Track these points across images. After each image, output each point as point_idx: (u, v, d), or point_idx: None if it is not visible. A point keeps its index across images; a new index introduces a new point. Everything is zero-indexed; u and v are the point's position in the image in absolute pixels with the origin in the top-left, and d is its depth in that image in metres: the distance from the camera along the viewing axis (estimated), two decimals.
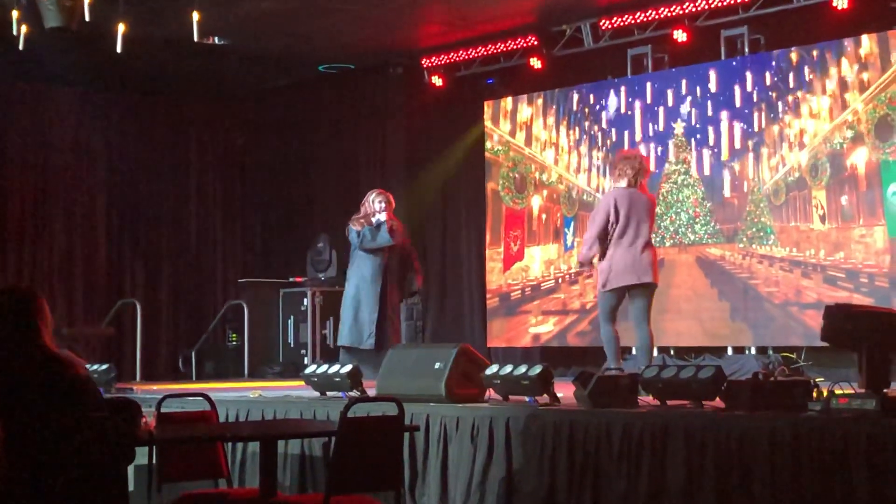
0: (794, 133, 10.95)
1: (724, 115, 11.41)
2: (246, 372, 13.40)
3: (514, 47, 12.79)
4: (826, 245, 10.66)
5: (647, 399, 6.61)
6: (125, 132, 14.80)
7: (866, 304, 9.60)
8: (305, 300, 13.68)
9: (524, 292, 12.86)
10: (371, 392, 7.85)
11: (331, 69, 14.13)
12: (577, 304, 12.32)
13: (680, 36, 11.57)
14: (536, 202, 12.86)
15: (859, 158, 10.45)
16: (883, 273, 10.24)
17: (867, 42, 10.46)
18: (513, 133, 13.06)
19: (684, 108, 11.69)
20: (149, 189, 14.92)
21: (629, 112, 12.11)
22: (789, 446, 5.43)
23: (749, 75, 11.24)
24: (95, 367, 9.41)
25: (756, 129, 11.20)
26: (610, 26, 12.01)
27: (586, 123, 12.47)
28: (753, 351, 11.04)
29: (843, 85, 10.61)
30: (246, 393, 8.98)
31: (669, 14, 11.58)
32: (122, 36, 10.13)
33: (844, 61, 10.60)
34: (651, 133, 11.93)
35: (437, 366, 7.33)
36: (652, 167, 11.83)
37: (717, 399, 6.18)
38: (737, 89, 11.31)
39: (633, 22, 11.87)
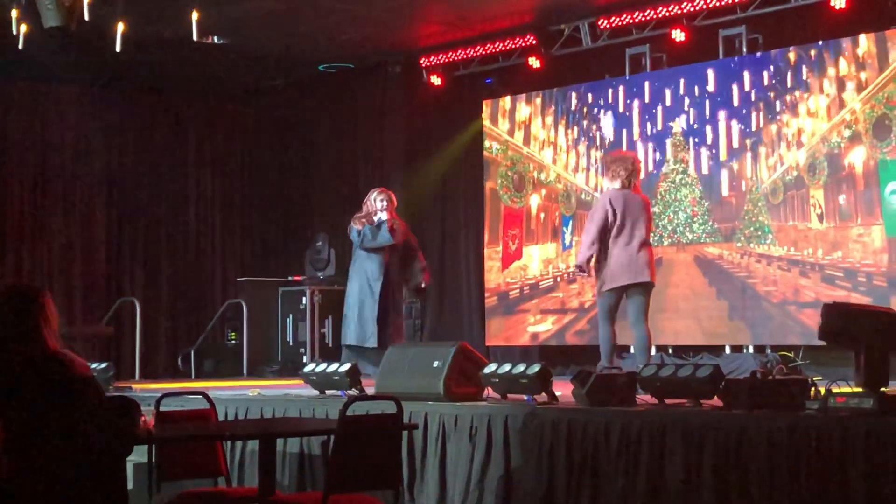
0: (792, 132, 10.96)
1: (722, 114, 11.43)
2: (245, 370, 13.41)
3: (513, 47, 12.80)
4: (824, 244, 10.67)
5: (645, 398, 6.62)
6: (124, 131, 14.80)
7: (864, 303, 9.61)
8: (304, 299, 13.68)
9: (522, 291, 12.88)
10: (370, 390, 7.87)
11: (330, 69, 14.14)
12: (575, 302, 12.34)
13: (678, 35, 11.59)
14: (535, 201, 12.87)
15: (857, 158, 10.46)
16: (881, 272, 10.25)
17: (865, 41, 10.47)
18: (511, 132, 13.07)
19: (682, 108, 11.70)
20: (148, 188, 14.92)
21: (627, 111, 12.13)
22: (787, 445, 5.44)
23: (747, 75, 11.25)
24: (94, 365, 9.40)
25: (754, 128, 11.22)
26: (608, 26, 12.02)
27: (584, 123, 12.49)
28: (751, 350, 11.05)
29: (841, 84, 10.62)
30: (245, 391, 8.98)
31: (667, 14, 11.59)
32: (121, 35, 10.14)
33: (842, 61, 10.62)
34: (649, 132, 11.95)
35: (435, 364, 7.34)
36: (650, 167, 11.88)
37: (716, 398, 6.18)
38: (735, 89, 11.32)
39: (631, 21, 11.88)
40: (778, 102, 11.07)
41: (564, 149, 12.65)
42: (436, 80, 13.51)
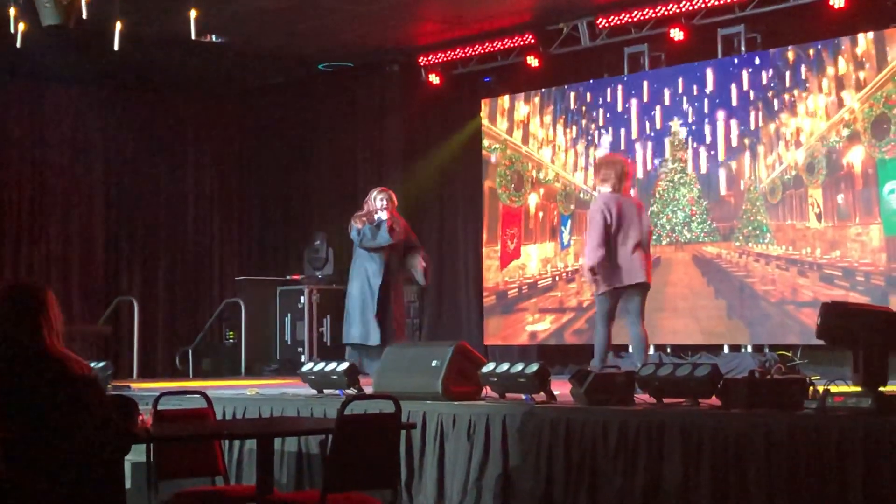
0: (791, 131, 10.96)
1: (720, 113, 11.43)
2: (243, 370, 13.41)
3: (511, 45, 12.80)
4: (822, 243, 10.67)
5: (643, 397, 6.62)
6: (122, 130, 14.79)
7: (862, 302, 9.61)
8: (302, 298, 13.68)
9: (521, 290, 12.88)
10: (369, 390, 7.87)
11: (329, 68, 14.14)
12: (573, 301, 12.34)
13: (677, 35, 11.59)
14: (533, 200, 12.87)
15: (855, 157, 10.46)
16: (879, 271, 10.26)
17: (864, 41, 10.47)
18: (510, 131, 13.07)
19: (681, 107, 11.70)
20: (146, 186, 14.92)
21: (626, 111, 12.12)
22: (785, 444, 5.44)
23: (746, 74, 11.25)
24: (92, 364, 9.41)
25: (752, 127, 11.22)
26: (607, 25, 12.02)
27: (583, 122, 12.49)
28: (750, 349, 11.06)
29: (840, 83, 10.62)
30: (243, 390, 8.98)
31: (666, 13, 11.59)
32: (119, 34, 10.12)
33: (841, 60, 10.62)
34: (648, 131, 11.95)
35: (433, 363, 7.34)
36: (648, 166, 11.88)
37: (714, 397, 6.18)
38: (733, 88, 11.32)
39: (629, 20, 11.88)
40: (776, 102, 11.07)
41: (563, 148, 12.65)
42: (434, 79, 13.50)
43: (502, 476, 6.58)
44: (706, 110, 11.53)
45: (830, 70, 10.69)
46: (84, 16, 9.50)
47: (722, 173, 11.44)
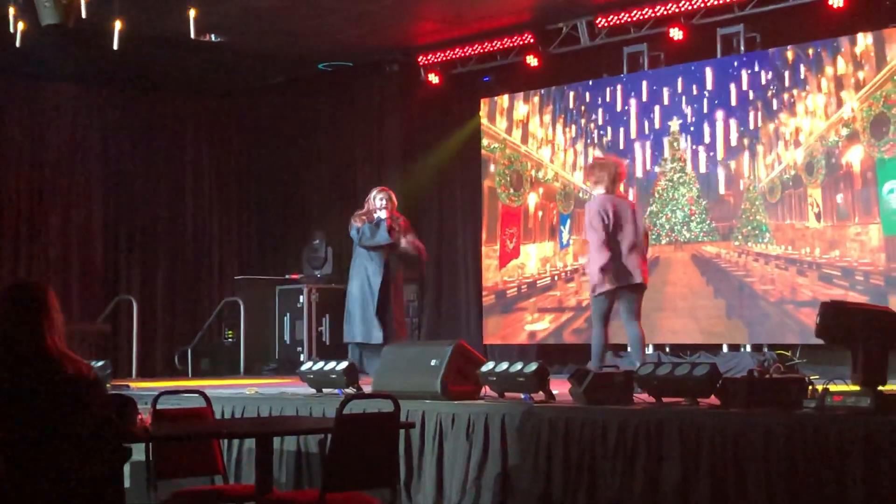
0: (790, 131, 10.96)
1: (719, 113, 11.43)
2: (242, 369, 13.41)
3: (511, 45, 12.80)
4: (821, 243, 10.67)
5: (642, 396, 6.62)
6: (121, 129, 14.80)
7: (862, 301, 9.60)
8: (301, 297, 13.68)
9: (520, 290, 12.88)
10: (368, 389, 7.87)
11: (329, 67, 14.13)
12: (573, 301, 12.34)
13: (676, 34, 11.59)
14: (532, 199, 12.87)
15: (855, 156, 10.47)
16: (878, 271, 10.26)
17: (863, 40, 10.48)
18: (509, 130, 13.07)
19: (680, 107, 11.70)
20: (145, 185, 14.92)
21: (625, 110, 12.12)
22: (784, 444, 5.44)
23: (745, 73, 11.25)
24: (91, 363, 9.40)
25: (752, 126, 11.22)
26: (606, 24, 12.02)
27: (582, 121, 12.49)
28: (749, 348, 11.06)
29: (839, 83, 10.62)
30: (242, 390, 8.98)
31: (665, 12, 11.60)
32: (118, 33, 10.13)
33: (840, 59, 10.62)
34: (647, 131, 11.95)
35: (432, 363, 7.33)
36: (648, 165, 11.89)
37: (713, 396, 6.18)
38: (732, 87, 11.32)
39: (629, 20, 11.88)
40: (776, 101, 11.07)
41: (562, 147, 12.65)
42: (434, 79, 13.50)
43: (501, 475, 6.58)
44: (705, 110, 11.53)
45: (829, 70, 10.69)
46: (83, 15, 9.51)
47: (721, 173, 11.44)
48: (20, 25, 10.04)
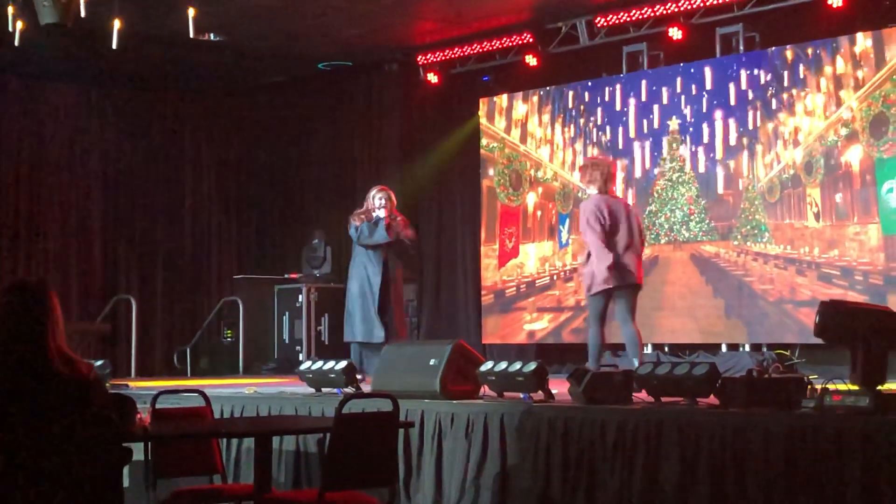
0: (789, 130, 10.96)
1: (718, 112, 11.43)
2: (241, 368, 13.41)
3: (510, 44, 12.80)
4: (820, 242, 10.67)
5: (641, 396, 6.62)
6: (120, 128, 14.79)
7: (861, 301, 9.61)
8: (300, 296, 13.68)
9: (519, 289, 12.88)
10: (368, 388, 7.87)
11: (328, 66, 14.13)
12: (571, 300, 12.33)
13: (675, 34, 11.59)
14: (531, 199, 12.87)
15: (854, 156, 10.47)
16: (877, 270, 10.26)
17: (862, 40, 10.48)
18: (508, 130, 13.07)
19: (679, 106, 11.70)
20: (144, 185, 14.91)
21: (624, 110, 12.12)
22: (783, 443, 5.44)
23: (744, 73, 11.25)
24: (90, 363, 9.39)
25: (751, 126, 11.22)
26: (605, 24, 12.02)
27: (581, 121, 12.49)
28: (748, 348, 11.06)
29: (838, 82, 10.63)
30: (241, 389, 8.97)
31: (665, 12, 11.60)
32: (117, 32, 10.13)
33: (839, 59, 10.62)
34: (646, 130, 11.95)
35: (431, 362, 7.33)
36: (647, 164, 11.89)
37: (712, 396, 6.18)
38: (732, 87, 11.33)
39: (628, 19, 11.88)
40: (775, 101, 11.07)
41: (561, 147, 12.65)
42: (433, 78, 13.50)
43: (500, 475, 6.58)
44: (704, 109, 11.53)
45: (829, 69, 10.69)
46: (82, 14, 9.50)
47: (720, 172, 11.44)
48: (19, 25, 10.04)
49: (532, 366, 6.91)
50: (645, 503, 5.91)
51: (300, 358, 12.86)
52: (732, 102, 11.33)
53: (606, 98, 12.29)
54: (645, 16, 11.76)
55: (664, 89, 11.82)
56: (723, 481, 5.64)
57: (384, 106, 14.27)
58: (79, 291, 14.29)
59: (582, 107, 12.49)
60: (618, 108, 12.18)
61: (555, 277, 12.59)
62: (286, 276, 14.28)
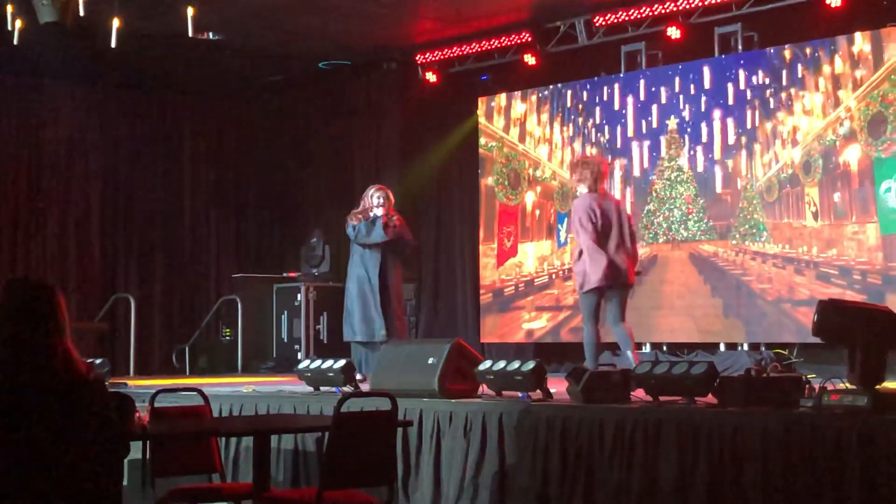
0: (788, 130, 10.97)
1: (717, 112, 11.43)
2: (239, 367, 13.41)
3: (508, 44, 12.80)
4: (819, 242, 10.68)
5: (639, 395, 6.63)
6: (119, 127, 14.78)
7: (859, 300, 9.61)
8: (299, 295, 13.68)
9: (517, 288, 12.88)
10: (366, 387, 7.87)
11: (327, 66, 14.13)
12: (570, 300, 12.33)
13: (674, 33, 11.59)
14: (530, 198, 12.88)
15: (852, 156, 10.48)
16: (875, 270, 10.27)
17: (860, 40, 10.48)
18: (507, 129, 13.07)
19: (678, 105, 11.71)
20: (143, 184, 14.91)
21: (623, 109, 12.13)
22: (781, 442, 5.44)
23: (742, 72, 11.26)
24: (89, 361, 9.40)
25: (749, 125, 11.23)
26: (604, 23, 12.03)
27: (580, 120, 12.49)
28: (746, 347, 11.07)
29: (837, 82, 10.63)
30: (239, 388, 8.97)
31: (663, 11, 11.60)
32: (116, 31, 10.13)
33: (837, 59, 10.63)
34: (644, 130, 11.95)
35: (430, 361, 7.33)
36: (645, 164, 11.89)
37: (710, 395, 6.18)
38: (730, 86, 11.33)
39: (627, 19, 11.88)
40: (773, 100, 11.08)
41: (560, 146, 12.65)
42: (431, 77, 13.50)
43: (499, 474, 6.58)
44: (703, 109, 11.54)
45: (827, 69, 10.70)
46: (81, 13, 9.50)
47: (718, 172, 11.45)
48: (18, 23, 10.04)
49: (530, 365, 6.92)
50: (643, 502, 5.92)
51: (299, 357, 12.87)
52: (731, 102, 11.34)
53: (605, 97, 12.30)
54: (643, 15, 11.77)
55: (663, 89, 11.82)
56: (721, 480, 5.64)
57: (383, 105, 14.27)
58: (77, 290, 14.27)
59: (580, 106, 12.50)
60: (616, 107, 12.18)
61: (553, 276, 12.60)
62: (285, 274, 14.28)
